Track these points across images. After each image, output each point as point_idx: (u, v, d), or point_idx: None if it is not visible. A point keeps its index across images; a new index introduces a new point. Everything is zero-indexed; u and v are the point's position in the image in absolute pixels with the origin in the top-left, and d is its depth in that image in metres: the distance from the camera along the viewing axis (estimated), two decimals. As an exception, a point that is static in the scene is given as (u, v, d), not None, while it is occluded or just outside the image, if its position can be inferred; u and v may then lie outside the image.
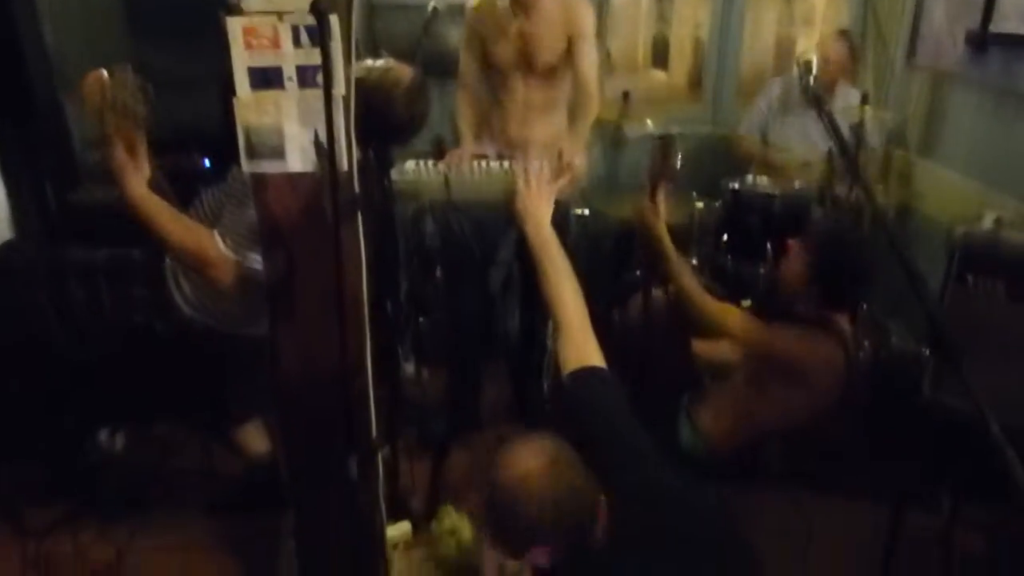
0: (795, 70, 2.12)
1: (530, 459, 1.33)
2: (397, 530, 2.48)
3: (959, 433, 2.36)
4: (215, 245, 2.02)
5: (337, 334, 1.82)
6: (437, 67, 3.00)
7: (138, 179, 1.91)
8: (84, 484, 2.69)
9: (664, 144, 2.37)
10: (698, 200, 3.24)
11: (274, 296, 1.94)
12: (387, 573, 2.31)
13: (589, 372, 1.66)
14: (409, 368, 3.27)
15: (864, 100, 2.93)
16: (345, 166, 1.82)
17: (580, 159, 2.73)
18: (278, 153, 1.82)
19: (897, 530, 1.76)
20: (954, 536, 2.48)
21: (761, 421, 2.22)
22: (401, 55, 2.27)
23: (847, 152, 1.59)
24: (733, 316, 2.16)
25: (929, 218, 3.12)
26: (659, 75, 4.81)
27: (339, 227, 1.73)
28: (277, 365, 1.97)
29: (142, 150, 1.92)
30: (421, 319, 3.33)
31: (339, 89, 1.74)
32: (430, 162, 2.66)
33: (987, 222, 2.34)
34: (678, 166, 2.70)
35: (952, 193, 3.03)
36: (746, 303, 2.29)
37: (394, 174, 2.49)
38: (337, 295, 1.76)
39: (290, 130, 1.82)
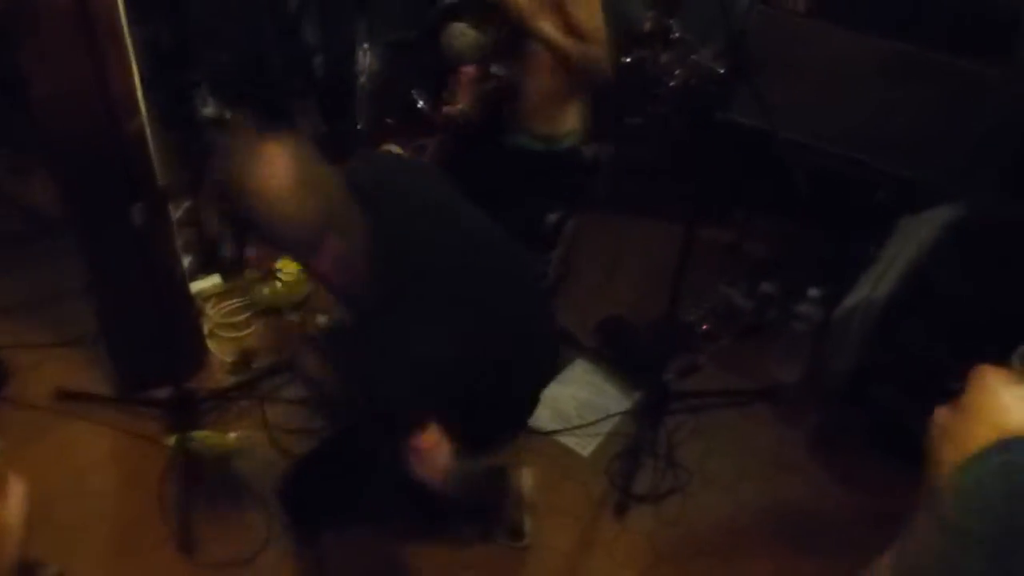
0: None
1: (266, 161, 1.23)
2: (207, 282, 2.41)
3: (754, 151, 2.49)
4: None
5: (93, 65, 1.61)
6: None
7: None
8: None
9: None
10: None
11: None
12: (199, 326, 2.27)
13: None
14: (209, 111, 3.00)
15: None
16: None
17: None
18: None
19: (692, 242, 1.87)
20: (743, 245, 2.72)
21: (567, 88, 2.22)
22: None
23: None
24: None
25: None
26: None
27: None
28: (30, 97, 1.73)
29: None
30: (219, 55, 3.01)
31: None
32: None
33: (793, -65, 2.30)
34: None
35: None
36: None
37: None
38: (84, 21, 1.53)
39: None
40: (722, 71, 2.55)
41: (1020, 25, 1.95)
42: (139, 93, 1.87)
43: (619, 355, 2.36)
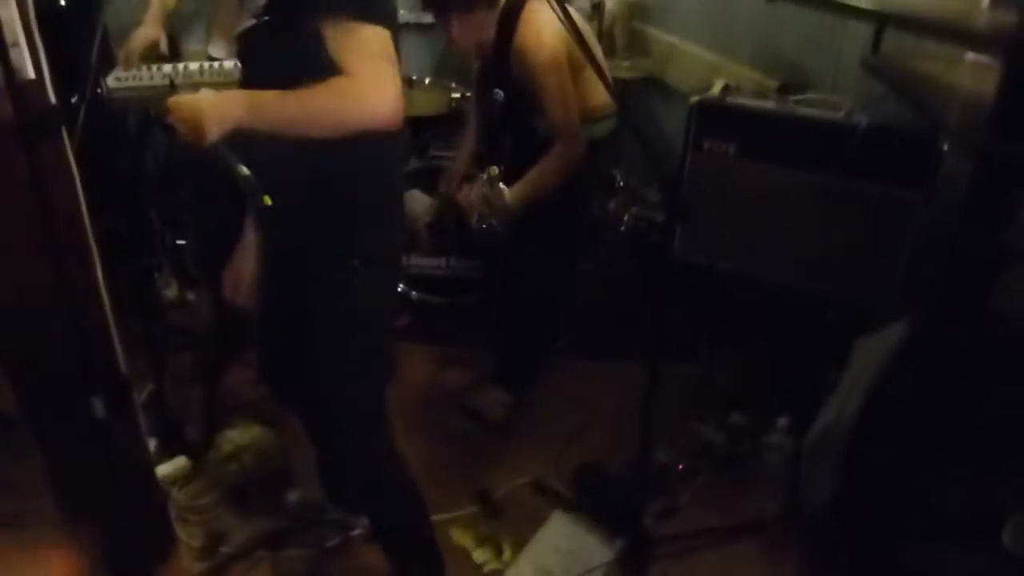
0: None
1: None
2: (173, 466, 2.36)
3: (706, 287, 2.57)
4: None
5: (54, 263, 1.65)
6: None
7: None
8: None
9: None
10: (455, 91, 3.20)
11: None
12: (167, 512, 2.20)
13: None
14: (171, 293, 3.06)
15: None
16: (31, 74, 1.59)
17: None
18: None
19: (656, 382, 1.89)
20: (711, 378, 2.75)
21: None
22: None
23: (579, 43, 1.61)
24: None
25: (671, 88, 3.27)
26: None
27: (34, 145, 1.53)
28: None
29: None
30: (179, 240, 3.09)
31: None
32: (154, 66, 2.39)
33: (716, 89, 2.47)
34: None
35: (688, 63, 3.18)
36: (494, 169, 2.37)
37: (110, 81, 2.23)
38: (43, 218, 1.58)
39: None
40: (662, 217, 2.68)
41: (935, 149, 2.09)
42: (100, 284, 1.91)
43: (597, 503, 2.32)
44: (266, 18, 1.45)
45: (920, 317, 2.00)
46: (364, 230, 1.63)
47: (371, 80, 1.35)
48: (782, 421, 2.29)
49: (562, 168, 2.36)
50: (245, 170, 1.40)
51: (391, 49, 1.40)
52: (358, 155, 1.44)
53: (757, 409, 2.55)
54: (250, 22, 1.49)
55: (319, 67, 1.36)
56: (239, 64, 1.68)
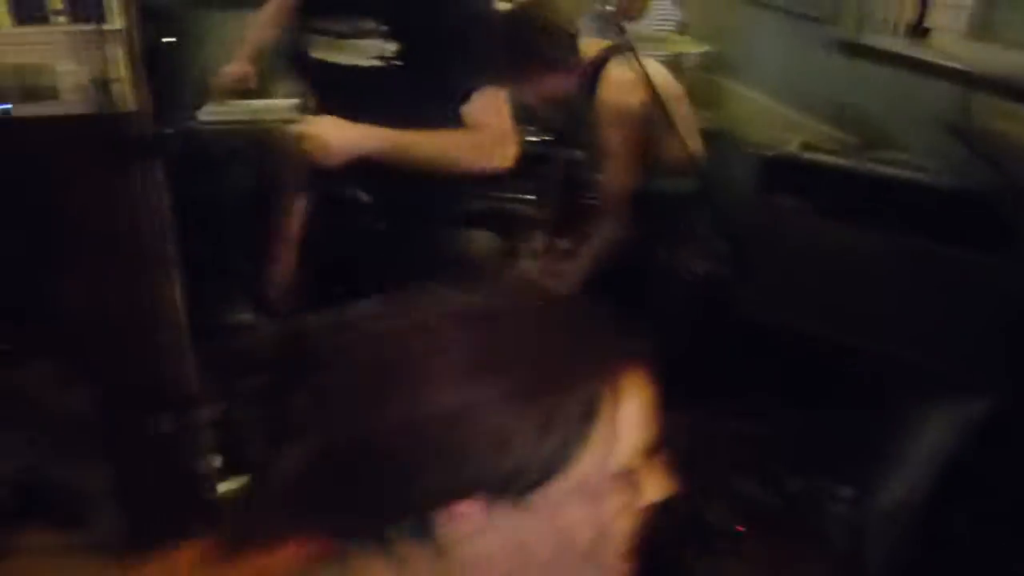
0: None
1: None
2: (234, 483, 2.41)
3: (773, 344, 2.51)
4: None
5: (138, 284, 1.74)
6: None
7: None
8: None
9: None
10: (526, 133, 3.24)
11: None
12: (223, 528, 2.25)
13: None
14: (248, 317, 3.15)
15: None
16: (132, 106, 1.70)
17: None
18: (49, 94, 1.68)
19: (703, 436, 1.86)
20: (770, 438, 2.67)
21: None
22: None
23: (657, 100, 1.63)
24: None
25: (745, 141, 3.25)
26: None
27: (125, 171, 1.63)
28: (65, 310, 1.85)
29: None
30: (255, 266, 3.20)
31: (115, 22, 1.63)
32: (244, 102, 2.51)
33: (793, 145, 2.45)
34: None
35: (763, 117, 3.16)
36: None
37: (201, 115, 2.34)
38: (133, 239, 1.68)
39: (64, 68, 1.69)
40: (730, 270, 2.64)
41: (1014, 215, 2.01)
42: (179, 306, 1.99)
43: (643, 561, 2.27)
44: (398, 63, 1.53)
45: (1002, 388, 1.92)
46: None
47: (501, 136, 1.58)
48: (845, 491, 2.21)
49: (606, 252, 2.39)
50: (365, 197, 1.63)
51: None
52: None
53: (816, 475, 2.46)
54: (359, 60, 1.57)
55: (439, 115, 1.53)
56: (316, 89, 1.78)
